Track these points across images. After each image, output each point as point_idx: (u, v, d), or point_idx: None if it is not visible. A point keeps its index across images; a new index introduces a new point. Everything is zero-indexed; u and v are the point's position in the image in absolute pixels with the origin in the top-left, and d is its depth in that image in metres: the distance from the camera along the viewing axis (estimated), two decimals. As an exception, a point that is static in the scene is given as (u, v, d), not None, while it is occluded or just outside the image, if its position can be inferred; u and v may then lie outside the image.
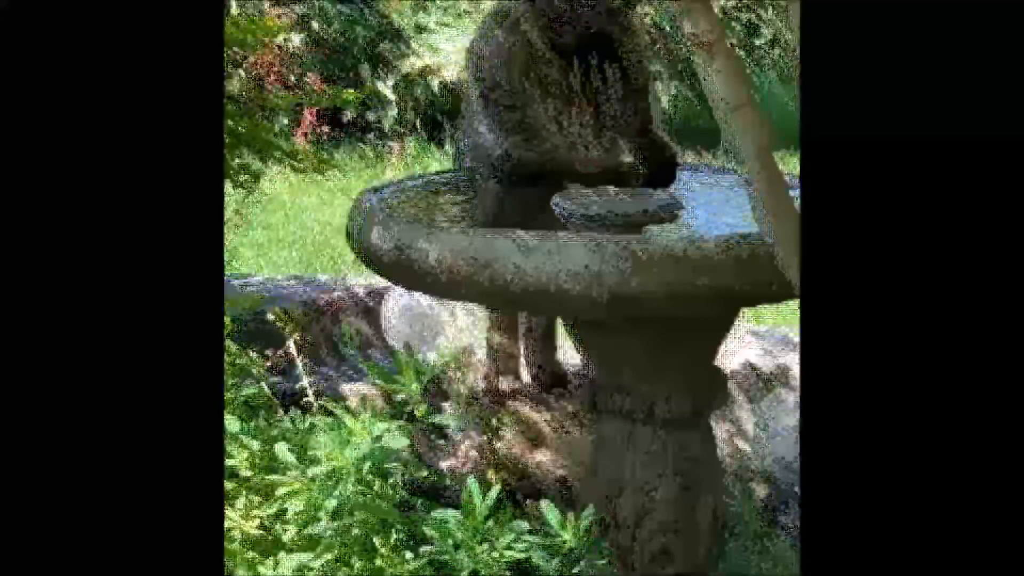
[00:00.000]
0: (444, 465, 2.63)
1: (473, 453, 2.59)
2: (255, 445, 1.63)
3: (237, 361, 2.17)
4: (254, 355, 2.36)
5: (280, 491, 1.59)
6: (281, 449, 1.61)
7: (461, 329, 3.06)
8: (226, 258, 2.70)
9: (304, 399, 2.49)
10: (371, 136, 7.00)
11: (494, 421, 2.53)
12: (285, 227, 5.54)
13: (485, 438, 2.55)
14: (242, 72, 2.53)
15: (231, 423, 1.64)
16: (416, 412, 1.73)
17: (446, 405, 2.75)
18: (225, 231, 3.03)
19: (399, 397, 1.75)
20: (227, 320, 1.94)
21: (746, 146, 1.33)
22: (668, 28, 6.90)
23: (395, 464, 1.62)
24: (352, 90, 2.62)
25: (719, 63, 1.31)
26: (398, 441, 1.59)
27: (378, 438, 1.57)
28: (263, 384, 1.86)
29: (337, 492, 1.54)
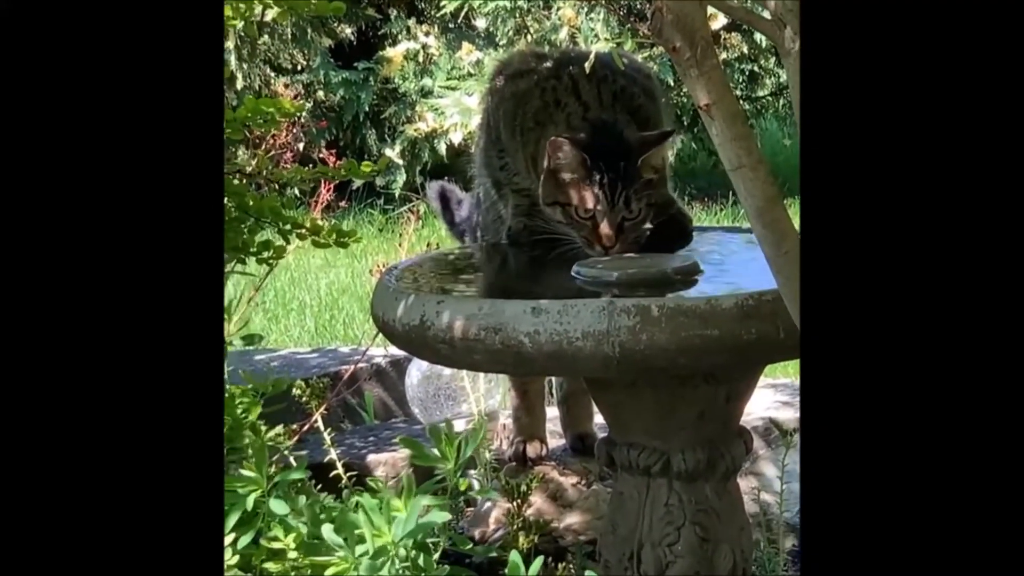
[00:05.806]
0: (475, 532, 2.63)
1: (503, 518, 2.60)
2: (302, 527, 1.66)
3: (265, 438, 2.19)
4: (280, 429, 2.38)
5: (328, 572, 1.61)
6: (328, 531, 1.63)
7: (482, 395, 3.08)
8: (242, 329, 2.73)
9: (333, 472, 2.51)
10: (380, 202, 7.05)
11: (523, 486, 2.53)
12: (291, 291, 5.59)
13: (514, 504, 2.56)
14: (260, 152, 2.56)
15: (277, 506, 1.66)
16: (458, 486, 1.74)
17: (472, 472, 2.76)
18: (243, 305, 3.06)
19: (438, 473, 1.77)
20: (259, 401, 1.97)
21: (747, 206, 1.34)
22: (671, 82, 6.95)
23: (436, 538, 1.64)
24: (369, 161, 2.64)
25: (716, 126, 1.31)
26: (440, 516, 1.61)
27: (421, 515, 1.59)
28: (302, 465, 1.88)
29: (384, 571, 1.56)
